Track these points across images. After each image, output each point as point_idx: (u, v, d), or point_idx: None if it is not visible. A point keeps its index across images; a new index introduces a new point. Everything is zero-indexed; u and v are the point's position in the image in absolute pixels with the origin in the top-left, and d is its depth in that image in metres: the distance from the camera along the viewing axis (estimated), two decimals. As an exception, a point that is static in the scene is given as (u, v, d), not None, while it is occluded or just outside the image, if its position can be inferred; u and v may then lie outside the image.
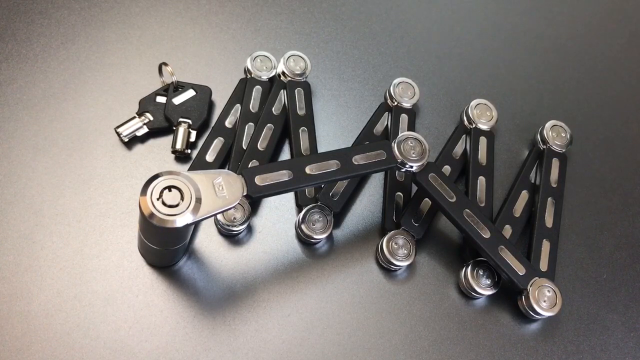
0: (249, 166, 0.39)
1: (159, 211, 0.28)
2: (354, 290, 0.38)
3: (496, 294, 0.38)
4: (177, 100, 0.41)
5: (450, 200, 0.37)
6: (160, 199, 0.28)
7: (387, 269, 0.39)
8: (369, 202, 0.41)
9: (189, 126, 0.40)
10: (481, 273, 0.38)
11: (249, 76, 0.42)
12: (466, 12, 0.52)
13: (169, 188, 0.28)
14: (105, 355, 0.34)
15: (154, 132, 0.40)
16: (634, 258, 0.43)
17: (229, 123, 0.41)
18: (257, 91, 0.42)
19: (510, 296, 0.39)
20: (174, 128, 0.40)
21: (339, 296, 0.38)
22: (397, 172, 0.41)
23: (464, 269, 0.39)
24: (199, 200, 0.29)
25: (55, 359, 0.33)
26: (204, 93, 0.42)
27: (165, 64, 0.41)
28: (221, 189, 0.30)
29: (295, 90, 0.42)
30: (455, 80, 0.48)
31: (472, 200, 0.40)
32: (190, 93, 0.41)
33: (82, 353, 0.34)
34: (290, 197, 0.40)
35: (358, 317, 0.37)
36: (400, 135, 0.36)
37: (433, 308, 0.38)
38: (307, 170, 0.33)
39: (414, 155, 0.36)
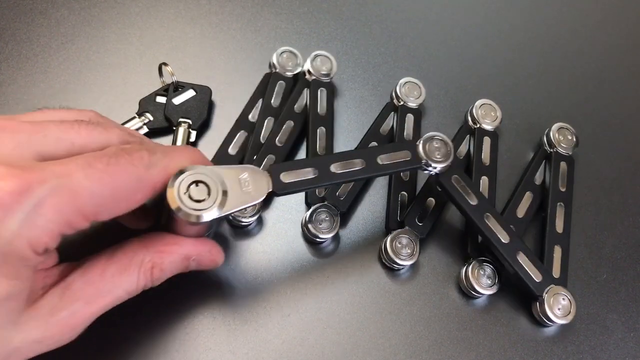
0: (265, 161, 0.39)
1: (185, 205, 0.28)
2: (353, 290, 0.38)
3: (497, 293, 0.38)
4: (177, 100, 0.41)
5: (472, 203, 0.37)
6: (187, 193, 0.28)
7: (390, 268, 0.39)
8: (374, 202, 0.41)
9: (189, 126, 0.40)
10: (482, 272, 0.38)
11: (273, 71, 0.42)
12: (473, 12, 0.52)
13: (196, 182, 0.28)
14: (103, 355, 0.34)
15: (154, 132, 0.40)
16: (634, 258, 0.43)
17: (252, 117, 0.41)
18: (280, 86, 0.42)
19: (510, 296, 0.39)
20: (174, 128, 0.40)
21: (338, 296, 0.38)
22: (402, 172, 0.41)
23: (464, 267, 0.39)
24: (225, 195, 0.29)
25: (48, 355, 0.33)
26: (204, 93, 0.42)
27: (165, 64, 0.41)
28: (247, 185, 0.30)
29: (319, 90, 0.42)
30: (460, 80, 0.48)
31: (492, 204, 0.40)
32: (190, 93, 0.41)
33: (77, 352, 0.33)
34: (298, 194, 0.40)
35: (358, 317, 0.37)
36: (425, 135, 0.36)
37: (433, 308, 0.38)
38: (332, 168, 0.33)
39: (438, 156, 0.35)
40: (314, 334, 0.36)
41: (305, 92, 0.42)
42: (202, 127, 0.41)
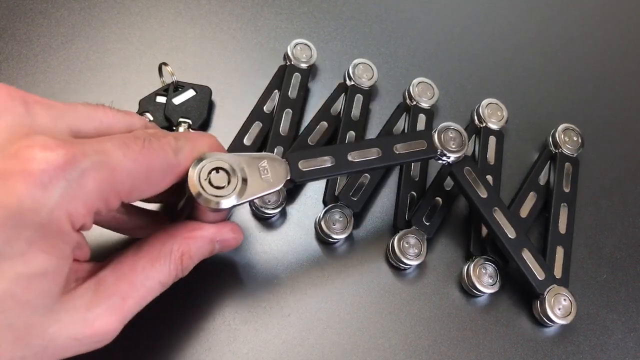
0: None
1: (206, 191, 0.28)
2: (354, 290, 0.38)
3: (497, 293, 0.38)
4: (177, 100, 0.41)
5: (482, 196, 0.37)
6: (208, 179, 0.28)
7: (396, 267, 0.39)
8: (385, 202, 0.41)
9: (189, 126, 0.40)
10: (484, 271, 0.38)
11: (288, 63, 0.43)
12: (480, 11, 0.51)
13: (217, 169, 0.28)
14: (101, 355, 0.34)
15: (154, 132, 0.40)
16: (634, 258, 0.43)
17: (267, 109, 0.41)
18: (296, 78, 0.42)
19: (511, 296, 0.39)
20: (174, 128, 0.40)
21: (339, 295, 0.38)
22: (407, 166, 0.41)
23: (466, 265, 0.39)
24: (245, 182, 0.29)
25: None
26: (204, 93, 0.42)
27: (165, 64, 0.41)
28: (266, 172, 0.30)
29: (355, 96, 0.42)
30: (467, 79, 0.48)
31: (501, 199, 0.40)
32: (190, 93, 0.41)
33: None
34: (313, 193, 0.40)
35: (359, 317, 0.37)
36: (441, 125, 0.36)
37: (433, 307, 0.38)
38: (349, 157, 0.34)
39: (453, 146, 0.36)
40: (314, 334, 0.36)
41: (342, 98, 0.43)
42: (202, 127, 0.41)
